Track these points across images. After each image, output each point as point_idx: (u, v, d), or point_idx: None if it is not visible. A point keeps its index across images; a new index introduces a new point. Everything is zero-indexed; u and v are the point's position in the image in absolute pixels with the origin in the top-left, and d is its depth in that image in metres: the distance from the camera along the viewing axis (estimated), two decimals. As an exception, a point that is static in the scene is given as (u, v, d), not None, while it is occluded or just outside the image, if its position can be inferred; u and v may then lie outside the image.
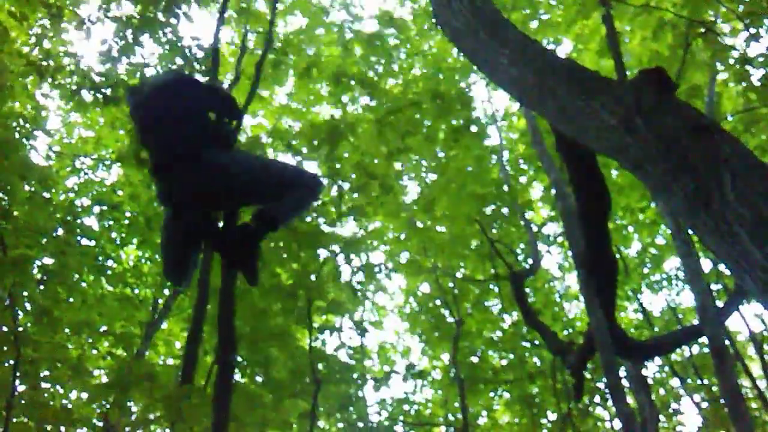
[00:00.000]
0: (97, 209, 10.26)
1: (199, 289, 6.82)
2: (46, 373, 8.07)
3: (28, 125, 8.54)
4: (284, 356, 9.51)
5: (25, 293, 8.12)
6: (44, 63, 7.39)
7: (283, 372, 9.60)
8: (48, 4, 7.20)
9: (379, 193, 9.58)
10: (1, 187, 7.54)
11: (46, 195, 8.72)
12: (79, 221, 9.48)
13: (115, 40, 7.26)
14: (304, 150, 9.25)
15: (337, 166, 9.42)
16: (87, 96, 7.43)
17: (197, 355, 6.32)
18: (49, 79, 7.51)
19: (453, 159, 10.77)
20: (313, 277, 9.49)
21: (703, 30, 7.17)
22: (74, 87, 7.50)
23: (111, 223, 10.26)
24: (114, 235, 10.36)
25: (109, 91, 7.35)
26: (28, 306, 8.01)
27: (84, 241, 9.50)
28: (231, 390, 5.78)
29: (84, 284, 9.53)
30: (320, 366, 9.58)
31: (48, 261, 8.41)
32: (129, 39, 7.16)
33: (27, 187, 8.32)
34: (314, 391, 8.94)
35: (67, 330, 8.92)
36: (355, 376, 10.93)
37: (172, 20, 7.19)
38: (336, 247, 9.86)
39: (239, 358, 9.59)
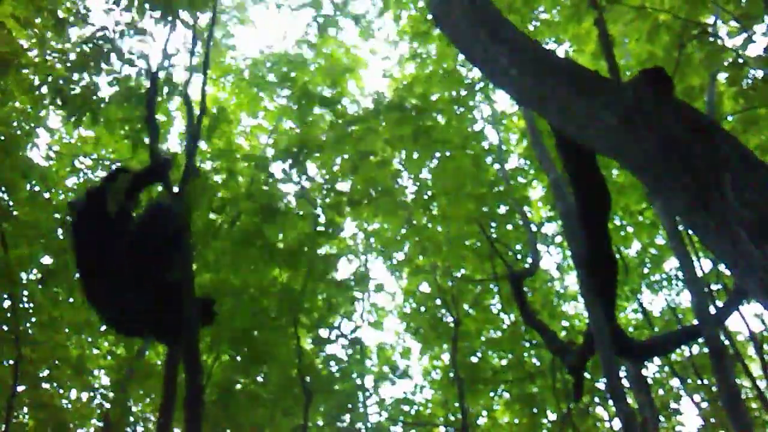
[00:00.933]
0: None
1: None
2: (47, 372, 8.08)
3: (30, 123, 8.53)
4: (274, 375, 9.58)
5: (25, 293, 8.14)
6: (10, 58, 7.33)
7: (274, 377, 9.65)
8: (51, 11, 7.17)
9: (347, 209, 9.67)
10: (2, 185, 7.55)
11: (46, 195, 8.72)
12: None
13: (88, 46, 7.20)
14: (280, 167, 9.31)
15: (308, 185, 9.52)
16: (45, 92, 7.35)
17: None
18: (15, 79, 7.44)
19: (451, 159, 10.77)
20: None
21: (697, 32, 7.16)
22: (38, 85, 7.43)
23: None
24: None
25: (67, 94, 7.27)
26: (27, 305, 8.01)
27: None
28: (201, 411, 5.70)
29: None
30: (311, 379, 9.62)
31: (48, 261, 8.41)
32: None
33: (27, 187, 8.32)
34: (305, 404, 8.96)
35: (66, 330, 8.94)
36: (354, 376, 10.95)
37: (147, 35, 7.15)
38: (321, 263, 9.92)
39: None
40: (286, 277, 9.53)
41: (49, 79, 7.22)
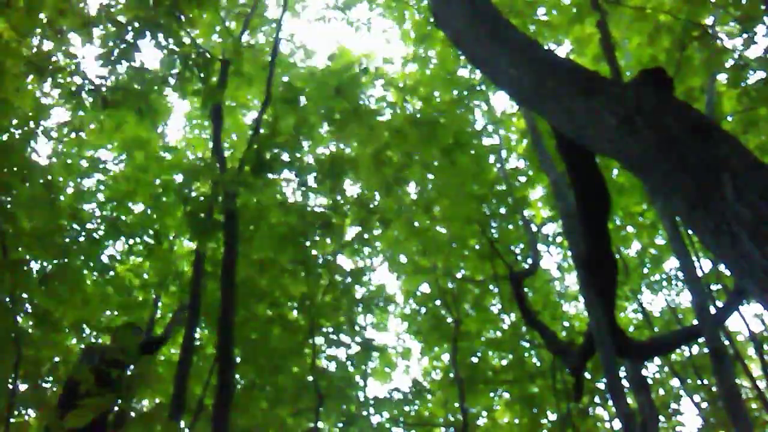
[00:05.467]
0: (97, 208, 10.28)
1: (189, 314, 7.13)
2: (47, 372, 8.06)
3: (32, 123, 8.51)
4: (287, 378, 9.70)
5: (25, 294, 8.10)
6: (44, 63, 7.36)
7: (287, 382, 9.76)
8: (49, 21, 7.19)
9: (379, 227, 9.77)
10: (2, 187, 7.52)
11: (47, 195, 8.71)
12: (83, 211, 9.53)
13: (116, 42, 7.24)
14: (311, 182, 9.36)
15: (339, 199, 9.58)
16: (86, 97, 7.41)
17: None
18: (49, 80, 7.47)
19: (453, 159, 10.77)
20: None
21: (698, 33, 7.17)
22: (74, 88, 7.47)
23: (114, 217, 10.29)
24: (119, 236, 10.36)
25: (108, 94, 7.33)
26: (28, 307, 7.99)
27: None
28: (229, 409, 6.02)
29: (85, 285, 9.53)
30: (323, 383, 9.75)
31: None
32: (129, 42, 7.13)
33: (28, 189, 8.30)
34: (317, 407, 9.07)
35: (67, 331, 8.93)
36: (358, 380, 11.05)
37: (174, 25, 7.18)
38: (338, 276, 10.07)
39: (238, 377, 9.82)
40: (308, 286, 9.71)
41: (86, 82, 7.25)
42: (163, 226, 10.21)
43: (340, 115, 9.59)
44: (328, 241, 9.85)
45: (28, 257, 7.66)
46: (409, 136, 9.59)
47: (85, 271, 9.32)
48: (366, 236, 10.11)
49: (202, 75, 7.58)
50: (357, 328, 10.87)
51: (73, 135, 9.88)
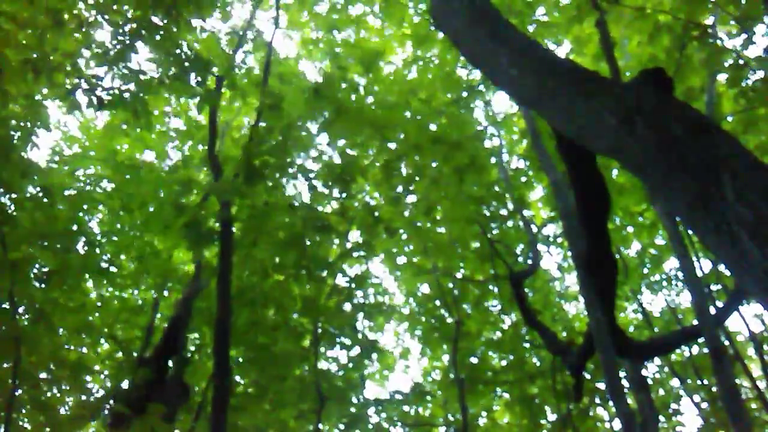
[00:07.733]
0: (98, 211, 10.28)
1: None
2: (46, 374, 8.07)
3: (28, 123, 8.51)
4: (291, 381, 9.73)
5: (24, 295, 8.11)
6: (41, 61, 7.32)
7: (291, 385, 9.79)
8: (49, 9, 7.16)
9: (384, 236, 9.79)
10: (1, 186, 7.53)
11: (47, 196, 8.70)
12: (82, 215, 9.52)
13: (112, 43, 7.22)
14: (320, 187, 9.35)
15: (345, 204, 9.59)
16: (81, 98, 7.37)
17: None
18: (46, 81, 7.44)
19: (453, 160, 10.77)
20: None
21: (698, 33, 7.16)
22: (69, 87, 7.44)
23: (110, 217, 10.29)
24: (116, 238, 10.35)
25: (104, 95, 7.30)
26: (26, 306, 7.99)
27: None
28: (226, 410, 6.10)
29: (84, 286, 9.52)
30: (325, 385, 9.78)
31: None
32: (126, 43, 7.11)
33: (28, 189, 8.31)
34: (318, 409, 9.09)
35: (66, 332, 8.93)
36: (359, 385, 11.07)
37: (171, 26, 7.16)
38: (343, 281, 10.11)
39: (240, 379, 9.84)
40: (311, 290, 9.73)
41: (82, 82, 7.22)
42: (160, 238, 10.18)
43: (325, 116, 9.57)
44: (334, 244, 9.85)
45: (28, 257, 7.66)
46: (426, 153, 9.59)
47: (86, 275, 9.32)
48: (371, 243, 10.10)
49: (198, 78, 7.55)
50: (359, 331, 10.87)
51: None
